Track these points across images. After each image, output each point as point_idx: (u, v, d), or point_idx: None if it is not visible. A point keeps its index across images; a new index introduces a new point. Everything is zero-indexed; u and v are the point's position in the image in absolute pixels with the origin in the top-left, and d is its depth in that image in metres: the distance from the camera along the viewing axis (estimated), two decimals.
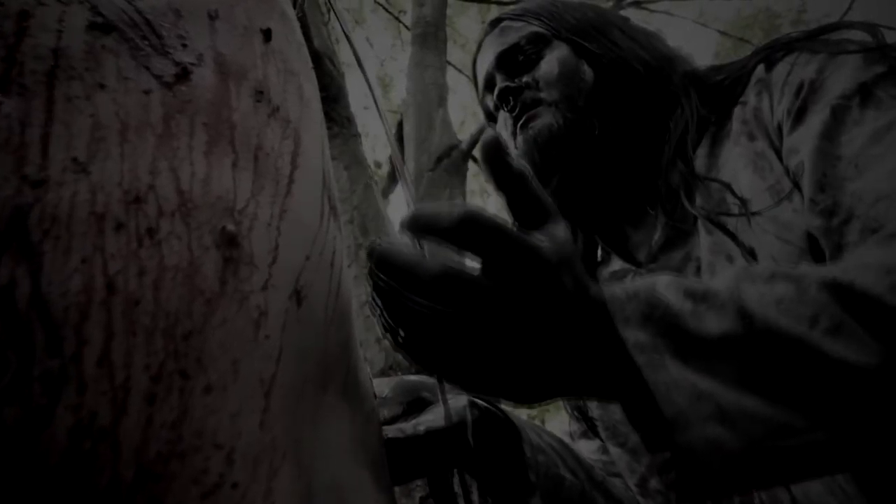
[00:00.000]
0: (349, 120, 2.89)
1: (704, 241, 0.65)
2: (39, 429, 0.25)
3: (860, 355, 0.35)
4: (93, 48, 0.33)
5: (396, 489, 0.42)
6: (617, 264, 0.81)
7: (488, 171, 0.39)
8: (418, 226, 0.37)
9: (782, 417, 0.35)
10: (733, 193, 0.63)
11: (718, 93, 0.72)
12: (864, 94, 0.55)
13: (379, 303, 0.38)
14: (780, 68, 0.65)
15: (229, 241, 0.31)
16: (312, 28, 2.61)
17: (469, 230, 0.35)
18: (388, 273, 0.36)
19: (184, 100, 0.33)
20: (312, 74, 0.44)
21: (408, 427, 0.53)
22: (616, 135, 0.74)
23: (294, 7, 0.52)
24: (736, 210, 0.62)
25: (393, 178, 5.65)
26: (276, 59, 0.39)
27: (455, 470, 0.58)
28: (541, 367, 0.37)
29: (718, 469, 0.34)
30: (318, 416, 0.32)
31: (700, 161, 0.69)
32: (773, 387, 0.35)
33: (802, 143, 0.57)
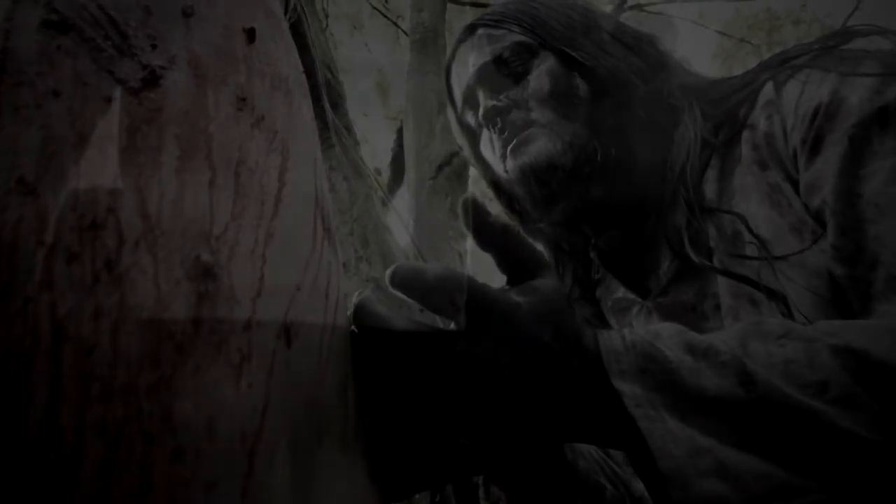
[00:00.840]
0: (348, 129, 2.84)
1: (722, 281, 0.61)
2: None
3: (869, 428, 0.35)
4: (46, 49, 0.28)
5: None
6: (620, 291, 0.76)
7: (471, 233, 0.38)
8: (395, 284, 0.36)
9: (785, 476, 0.34)
10: (750, 231, 0.58)
11: (723, 113, 0.67)
12: (883, 119, 0.51)
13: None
14: (791, 88, 0.60)
15: (205, 273, 0.26)
16: (310, 34, 2.57)
17: (440, 294, 0.34)
18: (360, 329, 0.36)
19: (152, 108, 0.29)
20: (303, 79, 0.40)
21: None
22: (618, 157, 0.67)
23: (286, 13, 0.47)
24: (754, 248, 0.58)
25: (392, 188, 5.61)
26: (260, 63, 0.35)
27: (481, 480, 0.56)
28: (526, 422, 0.37)
29: None
30: (313, 477, 0.27)
31: (710, 186, 0.64)
32: (775, 449, 0.35)
33: (822, 179, 0.54)
